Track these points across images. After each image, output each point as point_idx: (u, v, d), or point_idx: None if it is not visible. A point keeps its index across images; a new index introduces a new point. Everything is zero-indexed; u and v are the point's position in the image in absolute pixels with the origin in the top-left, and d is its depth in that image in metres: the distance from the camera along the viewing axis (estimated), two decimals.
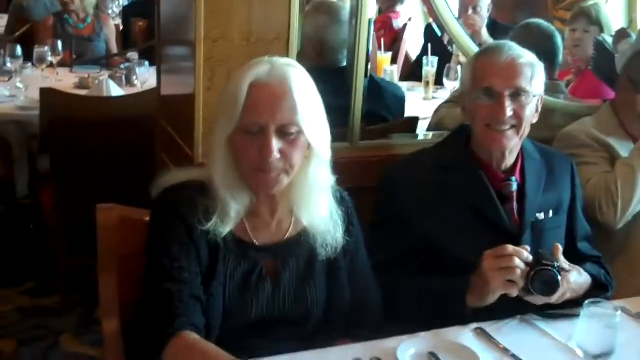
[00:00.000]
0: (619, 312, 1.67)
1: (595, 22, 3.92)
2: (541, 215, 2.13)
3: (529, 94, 2.06)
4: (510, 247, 1.86)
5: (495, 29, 4.48)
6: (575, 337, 1.69)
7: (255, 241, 1.82)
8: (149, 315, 1.71)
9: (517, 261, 1.85)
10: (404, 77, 4.83)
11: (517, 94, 2.05)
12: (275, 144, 1.69)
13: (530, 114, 2.09)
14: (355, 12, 2.48)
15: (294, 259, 1.85)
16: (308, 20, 2.90)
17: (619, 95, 2.62)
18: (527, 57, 2.10)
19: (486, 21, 4.55)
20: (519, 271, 1.84)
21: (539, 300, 1.89)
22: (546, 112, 2.80)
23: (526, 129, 2.10)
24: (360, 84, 2.49)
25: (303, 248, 1.86)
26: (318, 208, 1.83)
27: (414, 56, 5.21)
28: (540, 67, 2.12)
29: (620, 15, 4.05)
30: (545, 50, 2.97)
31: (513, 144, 2.09)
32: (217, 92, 2.29)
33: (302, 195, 1.82)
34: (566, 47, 3.96)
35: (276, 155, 1.69)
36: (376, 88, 2.97)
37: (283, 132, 1.70)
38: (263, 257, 1.81)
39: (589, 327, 1.64)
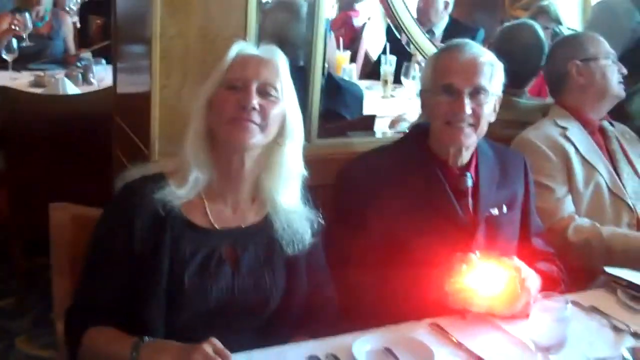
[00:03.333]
0: (569, 306, 1.70)
1: (554, 19, 4.00)
2: (495, 211, 2.16)
3: (487, 92, 2.09)
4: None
5: (455, 27, 4.52)
6: (527, 330, 1.72)
7: (215, 225, 1.84)
8: (73, 302, 1.81)
9: (479, 299, 1.87)
10: (365, 75, 4.85)
11: (477, 92, 2.08)
12: (255, 98, 1.78)
13: (489, 113, 2.12)
14: (312, 9, 2.49)
15: (254, 245, 1.87)
16: (268, 18, 2.89)
17: (580, 81, 2.67)
18: (487, 56, 2.13)
19: (446, 20, 4.60)
20: (477, 308, 1.89)
21: (504, 311, 1.90)
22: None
23: (484, 128, 2.12)
24: (317, 82, 2.49)
25: (264, 235, 1.88)
26: (286, 194, 1.87)
27: (374, 55, 5.23)
28: (499, 67, 2.15)
29: (576, 11, 4.12)
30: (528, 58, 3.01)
31: (470, 141, 2.12)
32: (174, 90, 2.29)
33: (272, 177, 1.86)
34: None
35: (255, 104, 1.77)
36: (334, 86, 2.98)
37: (264, 91, 1.81)
38: (222, 242, 1.84)
39: (541, 320, 1.66)
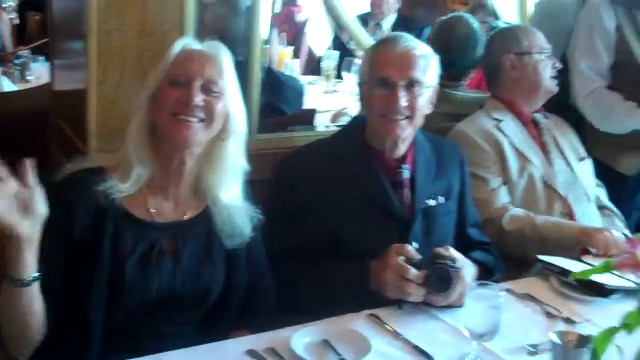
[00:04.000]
0: (503, 293, 1.74)
1: (492, 12, 4.06)
2: (432, 202, 2.19)
3: (422, 84, 2.11)
4: (413, 273, 1.90)
5: (402, 23, 4.57)
6: (462, 318, 1.75)
7: (156, 219, 1.84)
8: None
9: (415, 288, 1.90)
10: (310, 71, 4.86)
11: (411, 84, 2.10)
12: (199, 95, 1.79)
13: (424, 105, 2.14)
14: (252, 4, 2.49)
15: (194, 238, 1.88)
16: (207, 12, 2.87)
17: (513, 74, 2.71)
18: (421, 49, 2.15)
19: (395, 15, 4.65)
20: (414, 298, 1.92)
21: (438, 301, 1.94)
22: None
23: (419, 119, 2.15)
24: (256, 76, 2.50)
25: (204, 228, 1.89)
26: (227, 189, 1.89)
27: (321, 50, 5.24)
28: (434, 59, 2.17)
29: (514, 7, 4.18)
30: (465, 50, 3.06)
31: (407, 134, 2.14)
32: (112, 85, 2.27)
33: (214, 172, 1.87)
34: None
35: (198, 101, 1.78)
36: (275, 81, 2.98)
37: (207, 88, 1.82)
38: (162, 235, 1.84)
39: (475, 308, 1.69)
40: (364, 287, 1.96)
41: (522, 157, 2.63)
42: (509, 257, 2.42)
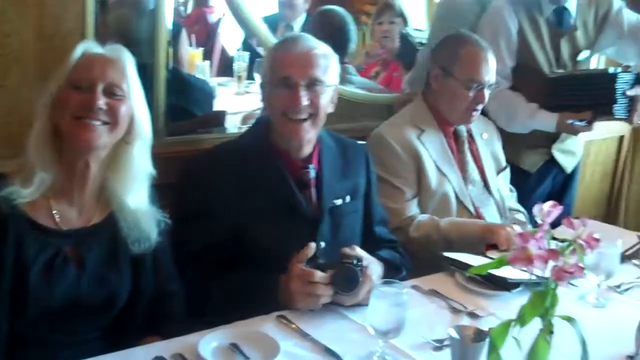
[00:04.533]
0: (406, 291, 1.76)
1: (399, 13, 4.12)
2: (338, 201, 2.21)
3: (323, 83, 2.13)
4: (318, 275, 1.91)
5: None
6: (367, 316, 1.77)
7: (60, 226, 1.81)
8: None
9: (323, 289, 1.91)
10: (223, 72, 4.81)
11: (313, 83, 2.11)
12: (102, 99, 1.77)
13: (326, 103, 2.15)
14: (156, 5, 2.46)
15: (99, 244, 1.86)
16: (111, 14, 2.82)
17: (434, 85, 2.71)
18: (321, 48, 2.17)
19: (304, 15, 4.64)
20: (324, 299, 1.92)
21: (346, 300, 1.95)
22: (348, 102, 2.93)
23: (322, 118, 2.16)
24: (161, 78, 2.47)
25: (109, 233, 1.87)
26: (133, 194, 1.86)
27: (233, 51, 5.20)
28: (334, 58, 2.19)
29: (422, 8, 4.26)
30: (337, 34, 3.13)
31: (311, 134, 2.15)
32: (12, 90, 2.20)
33: (119, 177, 1.85)
34: (375, 40, 4.14)
35: (101, 105, 1.76)
36: (182, 83, 2.94)
37: (110, 92, 1.80)
38: (67, 242, 1.81)
39: (379, 306, 1.71)
40: (273, 302, 1.96)
41: (439, 172, 2.66)
42: (419, 259, 2.46)
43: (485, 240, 2.45)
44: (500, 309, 2.02)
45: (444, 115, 2.71)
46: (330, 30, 3.18)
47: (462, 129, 2.77)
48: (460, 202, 2.68)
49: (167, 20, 2.49)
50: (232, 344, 1.76)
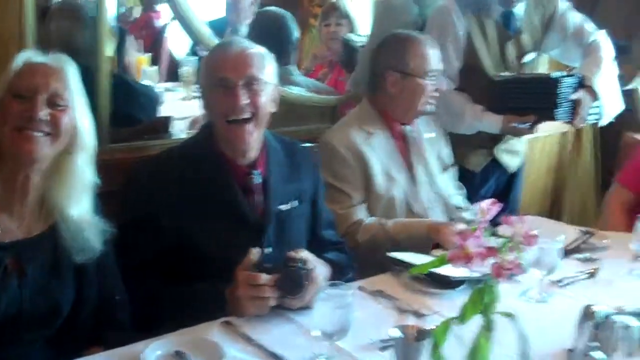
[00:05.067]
0: (351, 292, 1.77)
1: (345, 15, 4.14)
2: (285, 206, 2.21)
3: (261, 81, 2.13)
4: (264, 278, 1.91)
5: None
6: (313, 319, 1.77)
7: (1, 239, 1.78)
8: None
9: (269, 292, 1.91)
10: (170, 77, 4.77)
11: (250, 82, 2.11)
12: (44, 109, 1.75)
13: (267, 102, 2.15)
14: (96, 12, 2.44)
15: (41, 255, 1.83)
16: (52, 22, 2.79)
17: (392, 90, 2.72)
18: (256, 48, 2.17)
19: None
20: (271, 302, 1.92)
21: (293, 303, 1.96)
22: (292, 104, 2.94)
23: (265, 118, 2.16)
24: (105, 85, 2.45)
25: (51, 244, 1.85)
26: (76, 204, 1.84)
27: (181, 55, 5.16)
28: (270, 57, 2.20)
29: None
30: (276, 34, 3.14)
31: (254, 136, 2.14)
32: None
33: (62, 187, 1.82)
34: (323, 42, 4.16)
35: (42, 116, 1.74)
36: (127, 89, 2.92)
37: (52, 102, 1.78)
38: (8, 254, 1.78)
39: (324, 308, 1.72)
40: (220, 311, 1.94)
41: (387, 176, 2.69)
42: (367, 261, 2.48)
43: (431, 239, 2.48)
44: (445, 307, 2.04)
45: (398, 115, 2.75)
46: (269, 31, 3.19)
47: (410, 129, 2.80)
48: (408, 204, 2.70)
49: (109, 26, 2.47)
50: (177, 351, 1.74)
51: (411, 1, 3.29)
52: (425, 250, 2.41)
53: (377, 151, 2.67)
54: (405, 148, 2.78)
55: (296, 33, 3.30)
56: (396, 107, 2.74)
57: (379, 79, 2.75)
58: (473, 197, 2.93)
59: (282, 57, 3.15)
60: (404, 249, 2.40)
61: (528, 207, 3.82)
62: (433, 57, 2.72)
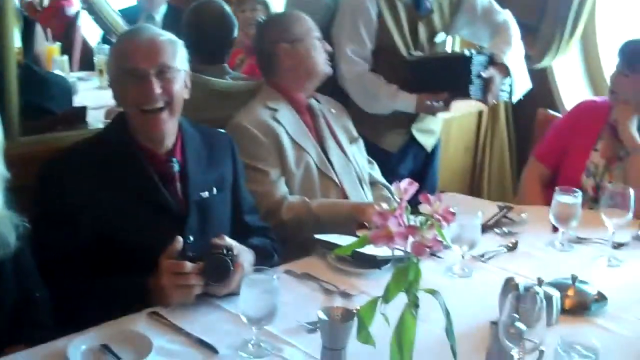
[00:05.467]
0: (276, 276, 1.77)
1: (261, 1, 4.11)
2: (205, 194, 2.17)
3: (173, 69, 2.09)
4: (189, 265, 1.89)
5: (174, 14, 4.47)
6: (240, 305, 1.76)
7: None
8: None
9: (194, 279, 1.89)
10: (85, 66, 4.65)
11: (163, 70, 2.07)
12: None
13: (180, 89, 2.12)
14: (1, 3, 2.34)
15: None
16: None
17: (287, 62, 2.74)
18: (166, 35, 2.13)
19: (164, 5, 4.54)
20: (196, 290, 1.90)
21: (219, 290, 1.94)
22: (210, 91, 2.90)
23: (179, 106, 2.12)
24: (12, 76, 2.35)
25: None
26: None
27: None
28: (180, 44, 2.16)
29: None
30: (216, 35, 3.09)
31: (170, 124, 2.11)
32: None
33: None
34: (241, 29, 4.11)
35: None
36: (37, 80, 2.83)
37: None
38: None
39: (250, 294, 1.71)
40: (145, 303, 1.91)
41: (298, 147, 2.69)
42: (292, 242, 2.48)
43: (355, 220, 2.49)
44: (372, 286, 2.06)
45: (300, 87, 2.78)
46: (208, 30, 3.09)
47: (315, 104, 2.83)
48: (322, 173, 2.72)
49: (15, 16, 2.37)
50: (103, 345, 1.71)
51: None
52: (349, 231, 2.42)
53: (284, 125, 2.68)
54: (311, 120, 2.80)
55: (236, 31, 3.19)
56: (297, 79, 2.76)
57: (271, 57, 2.77)
58: (391, 177, 2.94)
59: (218, 57, 3.13)
60: (328, 229, 2.41)
61: (448, 185, 3.88)
62: (310, 21, 2.81)
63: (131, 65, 2.06)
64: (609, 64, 3.08)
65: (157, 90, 2.04)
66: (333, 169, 2.75)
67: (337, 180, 2.74)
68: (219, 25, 3.08)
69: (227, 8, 3.16)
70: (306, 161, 2.69)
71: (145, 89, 2.04)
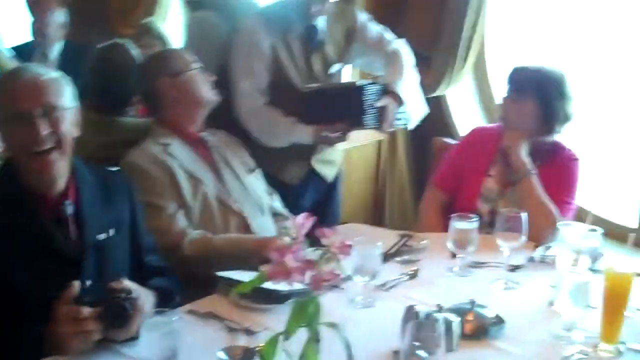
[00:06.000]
0: (177, 318, 1.74)
1: (158, 36, 4.10)
2: (103, 236, 2.11)
3: (59, 107, 2.02)
4: (86, 311, 1.83)
5: (71, 50, 4.38)
6: (140, 349, 1.72)
7: None
8: None
9: (92, 324, 1.84)
10: None
11: (48, 111, 1.99)
12: None
13: (70, 127, 2.05)
14: None
15: None
16: None
17: (174, 95, 2.74)
18: (49, 73, 2.06)
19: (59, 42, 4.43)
20: (94, 335, 1.85)
21: (119, 335, 1.89)
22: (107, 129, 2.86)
23: (69, 145, 2.05)
24: None
25: None
26: None
27: None
28: (67, 81, 2.09)
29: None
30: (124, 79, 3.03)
31: (60, 164, 2.03)
32: None
33: None
34: None
35: None
36: None
37: None
38: None
39: (150, 337, 1.68)
40: (43, 353, 1.83)
41: (194, 178, 2.67)
42: (196, 278, 2.45)
43: (259, 255, 2.48)
44: (276, 322, 2.02)
45: (188, 119, 2.77)
46: (110, 81, 3.02)
47: (207, 136, 2.84)
48: (221, 202, 2.71)
49: None
50: None
51: (221, 21, 3.32)
52: (254, 267, 2.41)
53: (178, 158, 2.68)
54: (206, 153, 2.80)
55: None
56: (184, 111, 2.77)
57: (155, 94, 2.77)
58: (294, 209, 2.96)
59: (119, 107, 3.04)
60: (233, 264, 2.39)
61: (351, 214, 3.93)
62: (187, 54, 2.86)
63: (14, 108, 1.98)
64: (500, 91, 3.18)
65: (44, 131, 1.97)
66: (231, 198, 2.74)
67: (236, 209, 2.73)
68: (122, 73, 3.00)
69: (134, 52, 3.10)
70: (203, 192, 2.67)
71: (31, 131, 1.96)
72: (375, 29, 3.33)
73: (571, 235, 2.34)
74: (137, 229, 2.26)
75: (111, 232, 2.14)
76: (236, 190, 2.78)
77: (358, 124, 3.12)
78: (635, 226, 3.68)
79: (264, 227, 2.79)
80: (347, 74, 3.75)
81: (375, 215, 4.31)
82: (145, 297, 1.96)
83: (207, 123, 2.88)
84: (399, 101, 3.15)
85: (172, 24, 4.60)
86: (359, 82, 3.13)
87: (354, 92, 3.08)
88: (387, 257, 2.50)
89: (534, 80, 2.95)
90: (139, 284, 2.00)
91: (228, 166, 2.83)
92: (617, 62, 3.94)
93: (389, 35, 3.34)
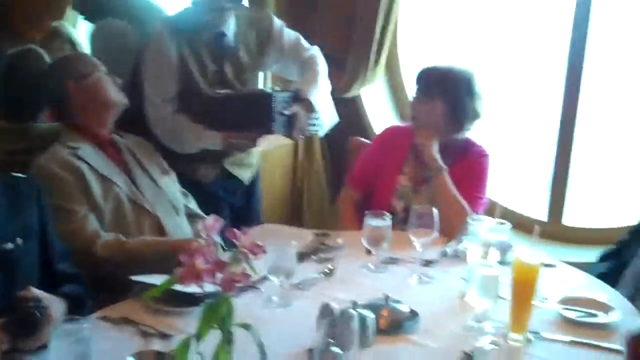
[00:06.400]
0: (88, 325, 1.71)
1: (68, 40, 4.01)
2: (9, 245, 2.04)
3: None
4: None
5: None
6: (50, 358, 1.69)
7: None
8: None
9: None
10: None
11: None
12: None
13: None
14: None
15: None
16: None
17: (80, 99, 2.70)
18: None
19: None
20: (2, 346, 1.79)
21: (29, 345, 1.82)
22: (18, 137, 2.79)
23: None
24: None
25: None
26: None
27: None
28: None
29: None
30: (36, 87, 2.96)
31: None
32: None
33: None
34: None
35: None
36: None
37: None
38: None
39: (61, 345, 1.65)
40: None
41: (105, 180, 2.63)
42: (111, 283, 2.41)
43: (175, 257, 2.45)
44: (191, 325, 2.00)
45: (96, 121, 2.74)
46: (29, 80, 2.95)
47: (118, 138, 2.81)
48: (134, 203, 2.68)
49: None
50: None
51: (129, 28, 3.28)
52: (170, 270, 2.38)
53: (87, 161, 2.63)
54: (117, 155, 2.77)
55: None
56: (93, 114, 2.73)
57: (62, 97, 2.72)
58: (209, 207, 2.94)
59: (32, 115, 2.99)
60: (148, 268, 2.35)
61: (271, 215, 3.93)
62: (91, 57, 2.86)
63: None
64: (411, 90, 3.23)
65: None
66: (145, 199, 2.72)
67: (150, 209, 2.70)
68: (36, 80, 2.93)
69: (47, 58, 3.05)
70: (115, 193, 2.63)
71: None
72: (290, 35, 3.32)
73: (481, 229, 2.41)
74: (47, 235, 2.20)
75: (19, 241, 2.07)
76: (149, 191, 2.75)
77: (267, 131, 3.12)
78: (545, 219, 3.83)
79: (179, 228, 2.77)
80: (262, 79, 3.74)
81: (295, 215, 4.33)
82: (56, 305, 1.92)
83: (122, 126, 2.83)
84: (311, 109, 3.16)
85: (82, 30, 4.50)
86: (268, 90, 3.13)
87: (262, 99, 3.08)
88: (303, 256, 2.52)
89: (442, 80, 3.01)
90: (50, 292, 1.95)
91: (141, 168, 2.79)
92: (526, 60, 4.08)
93: (304, 42, 3.34)
